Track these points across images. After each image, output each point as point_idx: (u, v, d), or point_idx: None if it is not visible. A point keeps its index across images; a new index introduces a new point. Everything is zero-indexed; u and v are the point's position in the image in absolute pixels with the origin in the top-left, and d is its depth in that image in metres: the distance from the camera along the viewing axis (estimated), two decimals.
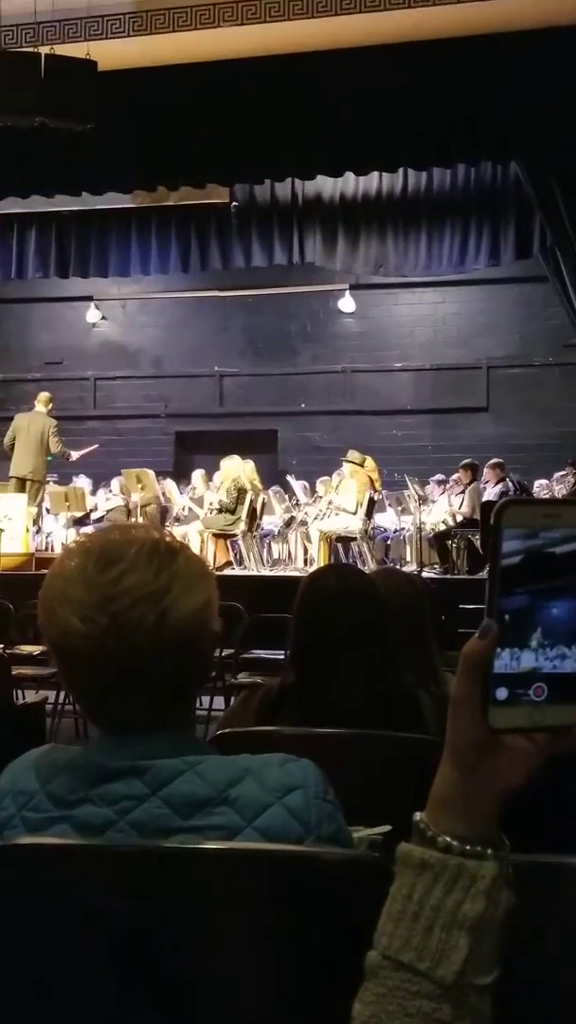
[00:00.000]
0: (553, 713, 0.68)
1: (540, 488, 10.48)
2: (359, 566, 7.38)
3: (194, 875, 0.99)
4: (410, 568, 8.77)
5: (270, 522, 10.25)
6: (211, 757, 1.11)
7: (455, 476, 10.41)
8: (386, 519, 10.79)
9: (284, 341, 13.44)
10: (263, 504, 9.52)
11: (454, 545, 9.07)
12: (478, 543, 8.67)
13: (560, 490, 9.93)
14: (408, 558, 9.81)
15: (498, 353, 12.92)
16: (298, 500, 10.12)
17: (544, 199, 8.53)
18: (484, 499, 9.15)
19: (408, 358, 13.19)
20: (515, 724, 0.68)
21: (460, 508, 9.77)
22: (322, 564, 7.82)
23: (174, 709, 1.12)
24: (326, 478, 10.48)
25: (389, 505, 10.52)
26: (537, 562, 0.67)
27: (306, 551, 9.80)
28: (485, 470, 10.11)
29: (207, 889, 0.99)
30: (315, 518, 9.48)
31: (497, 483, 9.83)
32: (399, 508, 10.20)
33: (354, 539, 9.25)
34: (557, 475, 10.35)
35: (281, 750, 1.13)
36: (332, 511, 9.36)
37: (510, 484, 9.68)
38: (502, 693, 0.67)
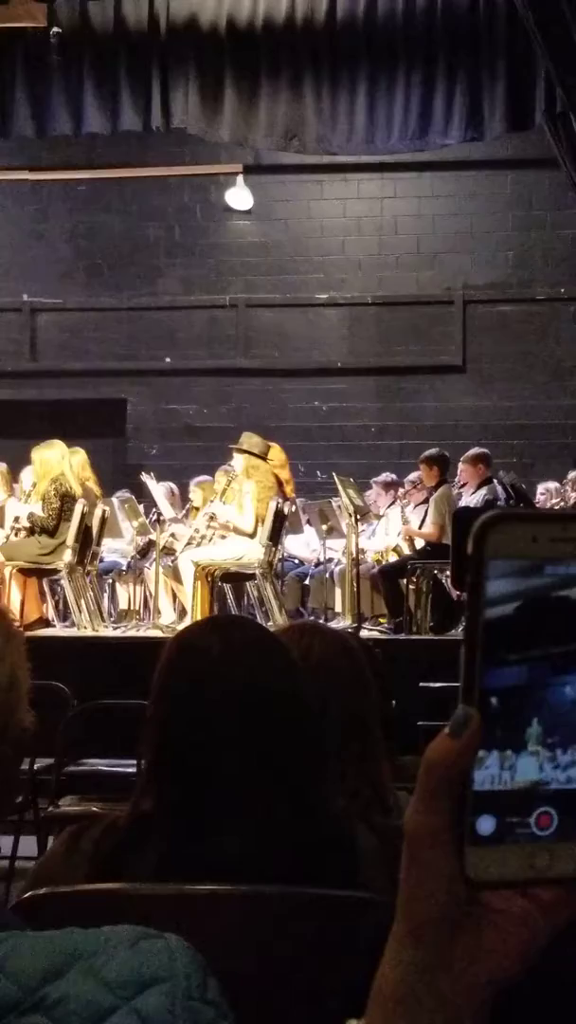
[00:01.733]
0: (567, 855, 0.69)
1: (545, 495, 10.66)
2: (259, 620, 7.10)
3: None
4: (341, 624, 8.96)
5: (115, 550, 10.29)
6: (16, 934, 1.09)
7: (413, 476, 10.36)
8: (302, 544, 10.84)
9: (138, 255, 13.38)
10: (103, 520, 9.53)
11: (412, 587, 9.15)
12: (449, 583, 8.83)
13: None
14: (338, 608, 9.98)
15: (480, 279, 12.78)
16: (160, 514, 9.94)
17: (552, 38, 8.70)
18: (454, 511, 9.19)
19: (337, 286, 13.00)
20: (508, 874, 0.69)
21: (421, 527, 9.78)
22: (199, 618, 7.79)
23: None
24: (205, 478, 10.43)
25: (308, 522, 10.62)
26: (542, 613, 0.68)
27: (174, 598, 9.87)
28: (461, 466, 10.08)
29: None
30: (188, 543, 9.47)
31: (479, 486, 9.82)
32: (324, 527, 10.15)
33: (252, 576, 9.33)
34: (573, 475, 10.55)
35: (133, 919, 1.12)
36: (216, 532, 9.41)
37: (499, 488, 9.68)
38: (487, 824, 0.69)
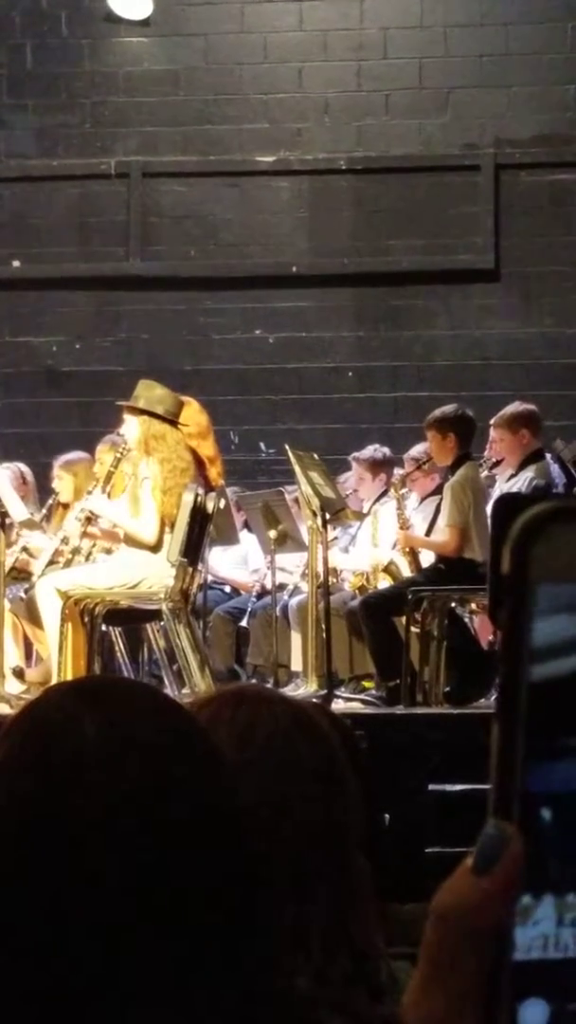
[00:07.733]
0: None
1: None
2: (167, 685, 7.96)
3: None
4: (301, 691, 8.68)
5: None
6: None
7: (416, 450, 9.94)
8: (236, 562, 10.78)
9: None
10: None
11: (415, 629, 8.82)
12: (476, 623, 8.94)
13: None
14: (295, 664, 9.66)
15: (523, 131, 11.92)
16: (6, 515, 9.32)
17: None
18: (495, 500, 8.49)
19: (290, 143, 12.26)
20: None
21: (430, 532, 9.37)
22: (63, 678, 7.86)
23: None
24: (78, 457, 9.96)
25: (246, 527, 10.49)
26: None
27: (28, 649, 9.71)
28: (494, 432, 9.47)
29: None
30: (52, 562, 9.04)
31: (523, 464, 9.29)
32: (271, 534, 9.69)
33: (156, 615, 8.86)
34: None
35: None
36: (96, 543, 9.06)
37: (554, 468, 9.30)
38: (537, 1014, 0.68)
